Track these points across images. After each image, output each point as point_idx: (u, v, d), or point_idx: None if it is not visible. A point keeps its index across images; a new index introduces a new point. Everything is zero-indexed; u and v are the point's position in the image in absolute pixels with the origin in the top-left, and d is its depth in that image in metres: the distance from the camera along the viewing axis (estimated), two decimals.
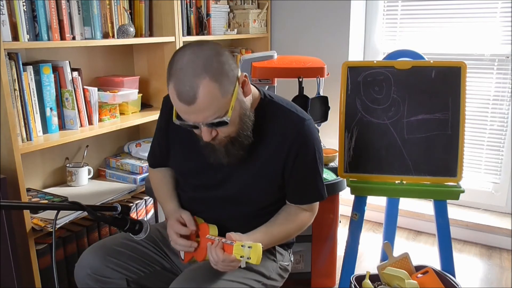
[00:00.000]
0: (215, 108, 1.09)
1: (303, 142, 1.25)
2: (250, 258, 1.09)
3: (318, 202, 1.37)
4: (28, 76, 1.71)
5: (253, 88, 1.27)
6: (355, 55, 2.77)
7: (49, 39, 1.75)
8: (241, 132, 1.19)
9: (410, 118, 1.79)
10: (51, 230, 1.67)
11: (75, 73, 1.89)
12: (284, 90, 2.12)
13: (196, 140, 1.24)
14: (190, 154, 1.30)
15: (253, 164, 1.26)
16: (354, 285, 1.72)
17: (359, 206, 1.84)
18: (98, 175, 2.30)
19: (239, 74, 1.15)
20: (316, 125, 1.36)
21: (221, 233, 1.24)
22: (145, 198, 2.22)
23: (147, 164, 2.19)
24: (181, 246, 1.27)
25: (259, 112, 1.26)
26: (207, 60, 1.07)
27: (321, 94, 2.00)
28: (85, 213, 1.16)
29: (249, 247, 1.09)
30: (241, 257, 1.10)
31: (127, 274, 1.30)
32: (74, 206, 1.12)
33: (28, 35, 1.68)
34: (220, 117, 1.11)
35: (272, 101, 1.29)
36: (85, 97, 1.93)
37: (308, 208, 1.35)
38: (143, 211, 2.21)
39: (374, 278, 1.75)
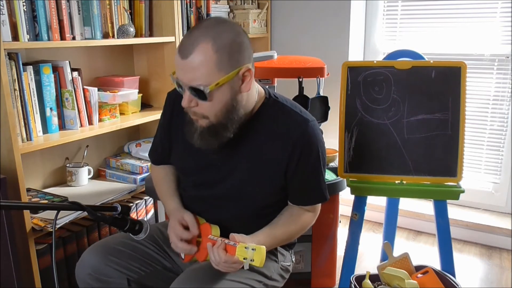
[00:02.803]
0: (202, 73, 1.08)
1: (306, 143, 1.24)
2: (253, 260, 1.07)
3: (320, 203, 1.37)
4: (28, 76, 1.71)
5: (259, 88, 1.27)
6: (355, 55, 2.77)
7: (49, 39, 1.75)
8: (221, 121, 1.16)
9: (410, 118, 1.79)
10: (51, 230, 1.67)
11: (75, 73, 1.89)
12: (284, 90, 2.12)
13: None
14: (191, 151, 1.30)
15: (255, 163, 1.26)
16: (354, 285, 1.71)
17: (359, 206, 1.84)
18: (98, 175, 2.30)
19: (245, 65, 1.13)
20: None
21: (223, 234, 1.23)
22: (145, 198, 2.22)
23: (147, 164, 2.20)
24: (181, 250, 1.27)
25: (263, 111, 1.26)
26: (222, 32, 1.09)
27: (321, 94, 2.00)
28: (85, 213, 1.16)
29: (253, 249, 1.07)
30: (244, 259, 1.08)
31: (128, 274, 1.30)
32: (74, 206, 1.12)
33: (28, 35, 1.68)
34: (202, 85, 1.09)
35: (276, 101, 1.29)
36: (85, 97, 1.93)
37: (311, 209, 1.35)
38: (143, 211, 2.21)
39: (374, 278, 1.75)
